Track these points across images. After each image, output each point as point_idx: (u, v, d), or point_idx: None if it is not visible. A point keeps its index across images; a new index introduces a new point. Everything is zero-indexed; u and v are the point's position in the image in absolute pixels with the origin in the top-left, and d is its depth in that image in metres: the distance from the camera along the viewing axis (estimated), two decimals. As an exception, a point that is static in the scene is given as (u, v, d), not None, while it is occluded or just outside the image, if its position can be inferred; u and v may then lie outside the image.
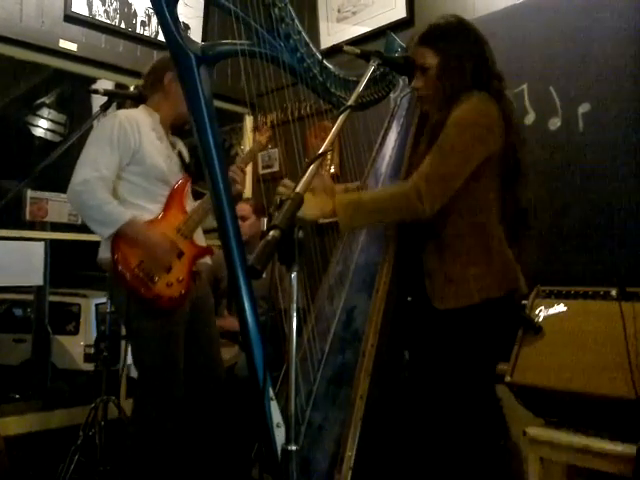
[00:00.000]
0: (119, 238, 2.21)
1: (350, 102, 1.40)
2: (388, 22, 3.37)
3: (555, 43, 2.70)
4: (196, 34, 3.71)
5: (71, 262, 6.09)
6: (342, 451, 1.44)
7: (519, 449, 2.33)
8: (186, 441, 2.34)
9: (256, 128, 2.77)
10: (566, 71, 2.65)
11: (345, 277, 1.79)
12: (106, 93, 2.33)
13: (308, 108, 3.70)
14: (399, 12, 3.32)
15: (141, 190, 2.32)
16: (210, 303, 2.60)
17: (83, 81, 5.52)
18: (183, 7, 3.59)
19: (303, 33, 1.74)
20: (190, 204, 2.46)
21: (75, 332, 6.53)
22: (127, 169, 2.31)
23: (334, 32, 3.66)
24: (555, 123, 2.66)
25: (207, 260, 2.51)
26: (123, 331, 3.52)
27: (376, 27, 3.42)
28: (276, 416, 1.53)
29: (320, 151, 1.23)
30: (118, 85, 3.94)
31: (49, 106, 6.79)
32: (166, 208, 2.35)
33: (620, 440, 1.98)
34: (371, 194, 1.64)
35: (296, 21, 1.73)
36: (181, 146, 2.56)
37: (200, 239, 2.47)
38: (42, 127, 6.80)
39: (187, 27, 3.66)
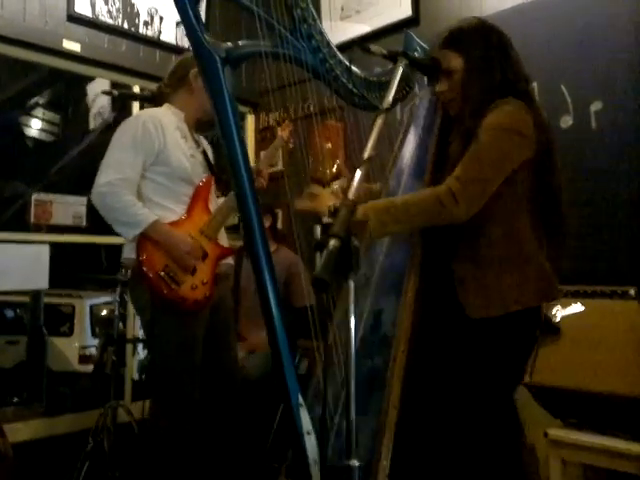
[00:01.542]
0: (145, 240, 2.20)
1: (385, 105, 1.38)
2: (393, 21, 3.36)
3: (565, 41, 2.70)
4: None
5: (68, 264, 6.03)
6: (376, 460, 1.41)
7: (535, 450, 2.33)
8: (203, 444, 2.32)
9: (278, 123, 2.74)
10: (577, 69, 2.64)
11: (370, 280, 1.76)
12: (120, 95, 2.30)
13: (312, 107, 3.68)
14: (405, 10, 3.30)
15: (165, 190, 2.30)
16: (229, 305, 2.58)
17: (77, 81, 5.48)
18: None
19: (325, 33, 1.71)
20: (214, 203, 2.44)
21: (69, 334, 6.46)
22: (151, 169, 2.29)
23: (337, 30, 3.63)
24: (567, 121, 2.65)
25: (229, 261, 2.48)
26: (129, 334, 3.51)
27: (381, 26, 3.40)
28: (306, 423, 1.51)
29: (365, 156, 1.20)
30: (114, 84, 3.90)
31: (43, 106, 6.72)
32: (190, 208, 2.33)
33: (640, 441, 1.99)
34: (403, 199, 1.59)
35: (318, 21, 1.70)
36: (205, 145, 2.53)
37: (223, 240, 2.45)
38: (36, 127, 6.74)
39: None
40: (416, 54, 1.90)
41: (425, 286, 1.66)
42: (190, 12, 1.51)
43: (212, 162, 2.50)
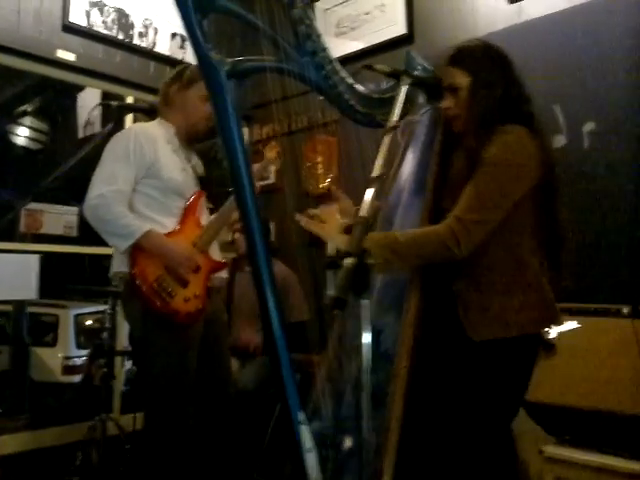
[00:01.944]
0: (137, 252, 2.19)
1: (392, 123, 1.39)
2: (388, 38, 3.38)
3: (558, 61, 2.73)
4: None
5: (56, 274, 5.96)
6: (379, 476, 1.41)
7: (527, 467, 2.33)
8: (196, 457, 2.30)
9: (259, 142, 2.73)
10: (570, 90, 2.68)
11: (371, 295, 1.76)
12: (119, 107, 2.30)
13: (305, 121, 3.70)
14: (399, 28, 3.33)
15: (157, 203, 2.30)
16: (223, 319, 2.58)
17: (68, 90, 5.45)
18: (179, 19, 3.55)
19: (328, 50, 1.73)
20: (205, 218, 2.45)
21: (53, 344, 6.35)
22: (143, 182, 2.29)
23: (331, 47, 3.64)
24: (560, 141, 2.68)
25: (222, 275, 2.48)
26: (118, 346, 3.47)
27: (375, 43, 3.43)
28: (307, 441, 1.50)
29: (375, 174, 1.20)
30: (106, 95, 3.90)
31: (31, 114, 6.65)
32: (182, 222, 2.33)
33: (636, 458, 1.99)
34: (405, 237, 1.59)
35: (322, 38, 1.72)
36: (195, 160, 2.54)
37: (215, 253, 2.45)
38: (23, 136, 6.66)
39: (184, 39, 3.63)
40: (417, 72, 1.92)
41: (426, 303, 1.66)
42: (196, 27, 1.52)
43: (203, 176, 2.51)
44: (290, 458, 1.56)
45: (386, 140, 1.32)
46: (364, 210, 1.10)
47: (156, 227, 2.25)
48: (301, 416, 1.51)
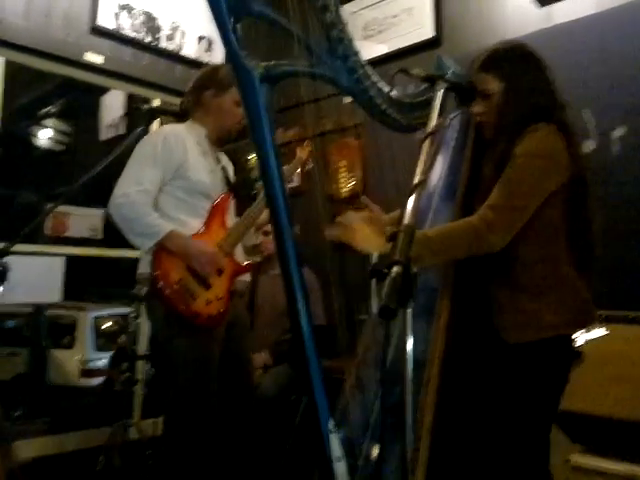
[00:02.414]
0: (161, 253, 2.19)
1: (431, 129, 1.37)
2: (415, 41, 3.37)
3: (588, 66, 2.70)
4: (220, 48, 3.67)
5: (78, 276, 5.99)
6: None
7: (553, 476, 2.29)
8: (217, 462, 2.29)
9: (284, 145, 2.72)
10: (600, 94, 2.64)
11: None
12: (150, 110, 2.31)
13: (329, 125, 3.69)
14: (427, 31, 3.31)
15: (183, 204, 2.29)
16: (246, 322, 2.57)
17: (91, 92, 5.50)
18: (207, 23, 3.56)
19: (360, 54, 1.72)
20: (231, 220, 2.44)
21: (70, 346, 6.35)
22: (170, 183, 2.28)
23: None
24: (589, 146, 2.65)
25: (245, 278, 2.47)
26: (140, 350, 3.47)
27: (403, 46, 3.41)
28: (336, 449, 1.48)
29: (416, 181, 1.19)
30: (130, 97, 3.92)
31: (54, 116, 6.73)
32: (207, 223, 2.32)
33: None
34: (437, 230, 1.58)
35: (354, 42, 1.71)
36: (226, 161, 2.54)
37: (240, 256, 2.44)
38: (47, 137, 6.74)
39: (210, 42, 3.64)
40: (448, 76, 1.90)
41: (458, 307, 1.64)
42: (230, 31, 1.51)
43: (231, 179, 2.51)
44: (318, 466, 1.55)
45: (425, 146, 1.30)
46: (408, 217, 1.08)
47: (182, 228, 2.24)
48: (331, 424, 1.50)
